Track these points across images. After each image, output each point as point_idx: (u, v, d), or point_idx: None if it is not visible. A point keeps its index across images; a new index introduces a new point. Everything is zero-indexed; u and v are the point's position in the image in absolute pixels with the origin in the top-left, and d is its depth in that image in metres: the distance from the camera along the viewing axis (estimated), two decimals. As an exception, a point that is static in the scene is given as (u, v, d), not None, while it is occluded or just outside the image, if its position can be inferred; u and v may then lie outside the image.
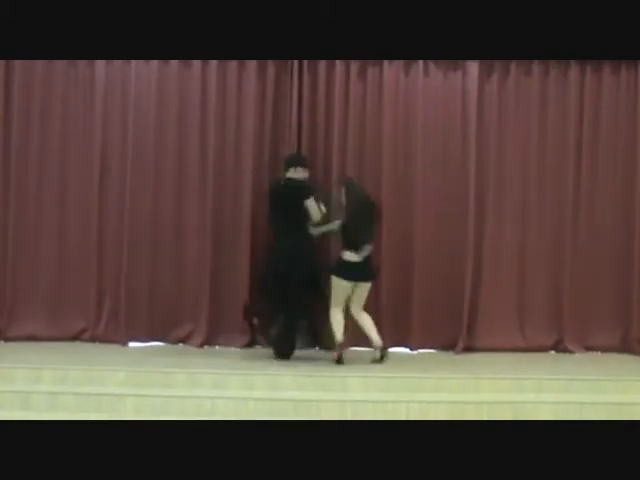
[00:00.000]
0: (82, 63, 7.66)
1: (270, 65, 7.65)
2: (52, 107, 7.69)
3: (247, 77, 7.66)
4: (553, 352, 7.79)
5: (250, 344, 7.59)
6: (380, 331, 7.04)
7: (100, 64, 7.61)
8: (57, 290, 7.70)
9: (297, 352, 7.12)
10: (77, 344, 7.61)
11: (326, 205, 7.17)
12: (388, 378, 6.45)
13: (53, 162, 7.70)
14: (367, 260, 6.91)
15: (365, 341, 7.14)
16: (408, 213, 7.60)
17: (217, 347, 7.64)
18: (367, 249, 6.88)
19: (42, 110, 7.67)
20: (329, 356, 7.13)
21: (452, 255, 7.69)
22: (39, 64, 7.61)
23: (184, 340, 7.66)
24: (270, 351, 7.16)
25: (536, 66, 7.75)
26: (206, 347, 7.60)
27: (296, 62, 7.60)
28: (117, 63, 7.62)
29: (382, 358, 6.90)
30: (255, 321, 7.18)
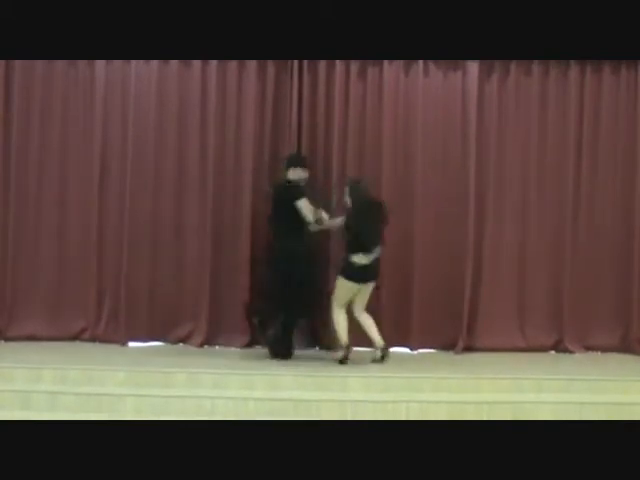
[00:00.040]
0: (82, 63, 7.66)
1: (270, 65, 7.65)
2: (52, 107, 7.69)
3: (247, 77, 7.66)
4: (553, 352, 7.79)
5: (250, 344, 7.59)
6: (380, 331, 7.03)
7: (100, 64, 7.61)
8: (57, 290, 7.70)
9: (297, 352, 7.13)
10: (77, 344, 7.61)
11: (326, 205, 7.16)
12: (388, 378, 6.45)
13: (53, 162, 7.70)
14: (374, 261, 6.91)
15: (365, 341, 7.13)
16: (408, 213, 7.60)
17: (217, 347, 7.64)
18: (377, 251, 6.87)
19: (42, 110, 7.67)
20: (329, 356, 7.13)
21: (452, 255, 7.69)
22: (39, 64, 7.61)
23: (184, 340, 7.66)
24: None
25: (536, 66, 7.75)
26: (206, 347, 7.60)
27: (296, 62, 7.60)
28: (117, 63, 7.62)
29: (383, 358, 6.90)
30: (255, 320, 7.18)
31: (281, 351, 7.01)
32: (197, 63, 7.61)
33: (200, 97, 7.65)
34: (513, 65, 7.74)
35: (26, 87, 7.64)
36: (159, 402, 6.01)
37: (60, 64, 7.64)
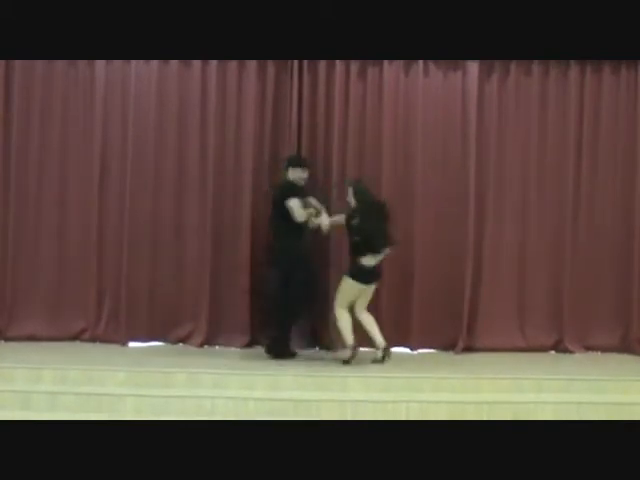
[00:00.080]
0: (82, 63, 7.66)
1: (270, 65, 7.65)
2: (52, 107, 7.69)
3: (247, 77, 7.66)
4: (553, 352, 7.79)
5: (250, 344, 7.59)
6: (380, 331, 7.03)
7: (100, 64, 7.61)
8: (57, 290, 7.70)
9: (297, 352, 7.14)
10: (77, 344, 7.61)
11: (325, 204, 7.17)
12: (388, 378, 6.45)
13: (53, 162, 7.70)
14: (380, 262, 6.91)
15: (366, 341, 7.14)
16: (408, 213, 7.59)
17: (217, 347, 7.64)
18: (386, 251, 6.87)
19: (42, 110, 7.67)
20: (329, 356, 7.14)
21: (452, 255, 7.69)
22: (39, 64, 7.61)
23: (184, 340, 7.66)
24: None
25: (536, 66, 7.75)
26: (206, 347, 7.60)
27: (296, 62, 7.60)
28: (117, 63, 7.62)
29: (383, 358, 6.90)
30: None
31: (280, 351, 7.01)
32: (197, 63, 7.61)
33: (200, 97, 7.65)
34: (513, 65, 7.74)
35: (26, 87, 7.64)
36: (159, 402, 6.01)
37: (60, 64, 7.64)
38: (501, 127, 7.80)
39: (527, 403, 6.16)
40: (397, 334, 7.55)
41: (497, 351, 7.62)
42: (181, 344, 7.66)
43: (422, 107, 7.67)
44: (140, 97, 7.63)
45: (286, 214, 6.85)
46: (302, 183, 7.04)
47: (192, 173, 7.68)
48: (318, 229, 7.05)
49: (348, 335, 6.86)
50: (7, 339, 7.56)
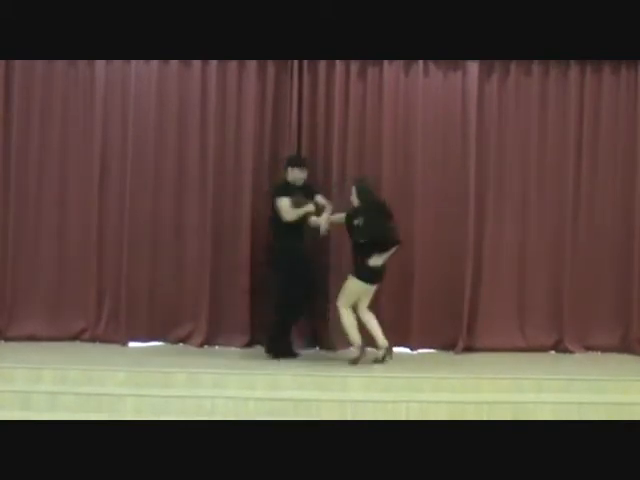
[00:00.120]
0: (82, 63, 7.66)
1: (270, 65, 7.65)
2: (52, 107, 7.69)
3: (247, 77, 7.66)
4: (553, 352, 7.79)
5: (250, 344, 7.59)
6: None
7: (100, 64, 7.61)
8: (57, 290, 7.70)
9: (298, 352, 7.15)
10: (77, 344, 7.61)
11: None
12: (388, 378, 6.45)
13: (53, 162, 7.70)
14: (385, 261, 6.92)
15: (367, 341, 7.15)
16: (408, 213, 7.59)
17: (217, 347, 7.64)
18: (392, 251, 6.87)
19: (42, 110, 7.67)
20: (329, 356, 7.14)
21: (452, 255, 7.69)
22: (39, 64, 7.61)
23: (184, 340, 7.66)
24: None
25: (536, 66, 7.75)
26: (206, 347, 7.60)
27: (296, 62, 7.60)
28: (117, 63, 7.62)
29: (383, 358, 6.90)
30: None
31: (280, 350, 7.02)
32: (197, 63, 7.61)
33: (200, 97, 7.65)
34: (513, 65, 7.74)
35: (26, 87, 7.64)
36: (159, 402, 6.01)
37: (60, 64, 7.64)
38: (501, 127, 7.80)
39: (527, 403, 6.16)
40: (397, 334, 7.54)
41: (497, 351, 7.62)
42: (181, 344, 7.65)
43: (422, 107, 7.67)
44: (140, 97, 7.63)
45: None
46: (300, 183, 7.03)
47: (192, 173, 7.68)
48: (317, 228, 7.05)
49: (355, 334, 6.85)
50: (7, 339, 7.56)
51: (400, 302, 7.61)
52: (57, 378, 6.29)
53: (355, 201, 6.92)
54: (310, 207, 6.98)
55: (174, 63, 7.62)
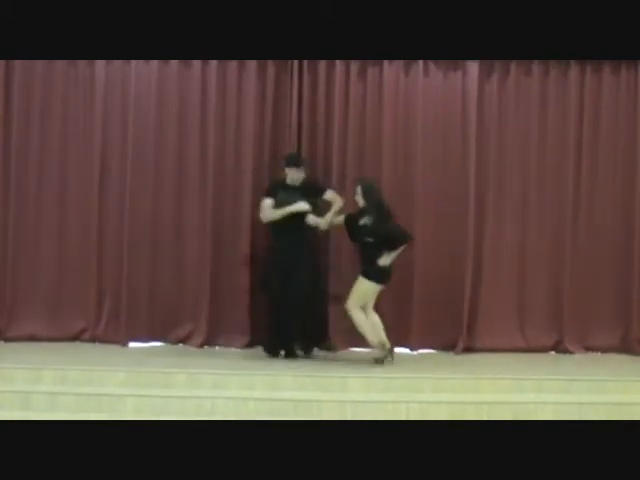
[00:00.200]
0: (82, 63, 7.66)
1: (270, 65, 7.65)
2: (52, 107, 7.69)
3: (247, 77, 7.66)
4: (553, 353, 7.79)
5: (250, 344, 7.59)
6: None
7: (100, 64, 7.61)
8: (57, 290, 7.70)
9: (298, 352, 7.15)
10: (77, 344, 7.60)
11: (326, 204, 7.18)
12: (388, 378, 6.44)
13: (53, 162, 7.70)
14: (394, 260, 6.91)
15: (366, 341, 7.15)
16: (408, 213, 7.58)
17: (217, 347, 7.64)
18: (401, 249, 6.86)
19: (42, 110, 7.67)
20: (330, 356, 7.13)
21: (452, 255, 7.69)
22: (39, 64, 7.61)
23: (184, 340, 7.66)
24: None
25: (536, 66, 7.75)
26: (206, 347, 7.60)
27: (296, 62, 7.59)
28: (117, 63, 7.62)
29: (384, 359, 6.88)
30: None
31: (279, 350, 7.04)
32: (197, 63, 7.61)
33: (200, 97, 7.65)
34: (513, 65, 7.74)
35: (26, 87, 7.64)
36: (159, 402, 6.00)
37: (60, 64, 7.64)
38: (501, 127, 7.80)
39: (527, 403, 6.15)
40: (397, 334, 7.53)
41: (497, 351, 7.62)
42: (181, 344, 7.65)
43: (422, 107, 7.67)
44: (140, 97, 7.63)
45: (292, 214, 6.88)
46: (298, 183, 7.02)
47: (192, 173, 7.68)
48: (316, 227, 7.06)
49: (371, 333, 6.84)
50: (7, 339, 7.56)
51: (400, 302, 7.61)
52: (57, 378, 6.28)
53: (360, 201, 6.90)
54: (298, 207, 6.92)
55: (174, 63, 7.62)
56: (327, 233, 7.33)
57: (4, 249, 7.62)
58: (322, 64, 7.61)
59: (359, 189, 6.92)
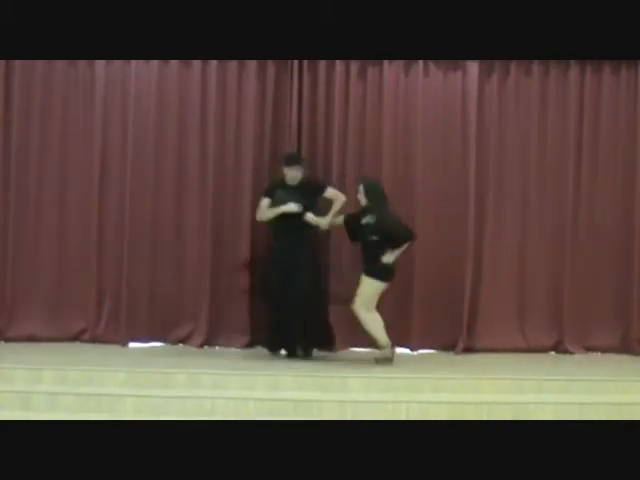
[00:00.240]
0: (82, 63, 7.65)
1: (270, 65, 7.65)
2: (52, 107, 7.69)
3: (247, 77, 7.66)
4: (553, 353, 7.79)
5: (250, 344, 7.59)
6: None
7: (100, 64, 7.60)
8: (57, 290, 7.70)
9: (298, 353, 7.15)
10: (77, 344, 7.60)
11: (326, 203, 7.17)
12: (388, 379, 6.44)
13: (53, 162, 7.69)
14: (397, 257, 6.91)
15: (366, 341, 7.15)
16: (408, 213, 7.57)
17: (217, 347, 7.64)
18: (405, 246, 6.86)
19: (42, 110, 7.67)
20: (330, 356, 7.13)
21: (452, 255, 7.69)
22: (39, 64, 7.60)
23: (184, 340, 7.65)
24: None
25: (536, 66, 7.75)
26: (206, 347, 7.60)
27: (296, 62, 7.59)
28: (117, 63, 7.61)
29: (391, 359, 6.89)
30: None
31: (275, 347, 7.08)
32: (197, 63, 7.61)
33: (200, 97, 7.65)
34: (513, 65, 7.74)
35: (26, 87, 7.64)
36: (159, 402, 6.00)
37: (60, 64, 7.64)
38: (501, 127, 7.80)
39: (527, 404, 6.15)
40: (397, 334, 7.53)
41: (497, 351, 7.62)
42: (181, 345, 7.65)
43: (422, 107, 7.67)
44: (140, 97, 7.63)
45: (287, 214, 6.87)
46: (295, 182, 7.01)
47: (192, 173, 7.68)
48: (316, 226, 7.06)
49: (382, 335, 6.83)
50: (7, 339, 7.55)
51: (400, 302, 7.60)
52: (57, 378, 6.28)
53: (363, 200, 6.90)
54: (287, 208, 6.90)
55: (174, 63, 7.62)
56: (327, 233, 7.33)
57: (4, 249, 7.62)
58: (322, 64, 7.61)
59: (361, 188, 6.92)
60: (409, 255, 7.47)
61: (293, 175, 6.99)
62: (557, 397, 6.33)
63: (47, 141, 7.68)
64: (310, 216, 6.94)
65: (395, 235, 6.79)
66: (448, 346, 7.68)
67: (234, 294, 7.57)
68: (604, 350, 7.78)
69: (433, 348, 7.75)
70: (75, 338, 7.67)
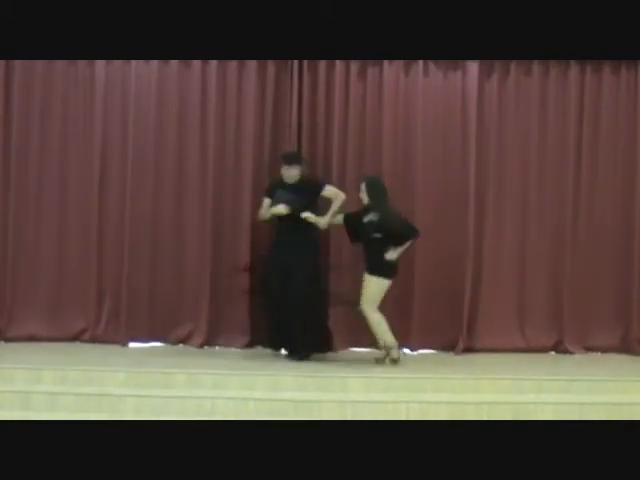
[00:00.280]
0: (82, 63, 7.65)
1: (270, 65, 7.65)
2: (52, 107, 7.68)
3: (247, 77, 7.66)
4: (553, 353, 7.79)
5: (250, 344, 7.59)
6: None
7: (100, 64, 7.60)
8: (57, 290, 7.69)
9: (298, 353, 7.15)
10: (77, 344, 7.60)
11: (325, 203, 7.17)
12: (388, 379, 6.44)
13: (53, 162, 7.69)
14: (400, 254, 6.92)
15: (366, 341, 7.15)
16: (408, 213, 7.53)
17: (217, 347, 7.64)
18: (408, 244, 6.86)
19: (42, 110, 7.66)
20: (330, 356, 7.13)
21: (452, 255, 7.69)
22: (39, 64, 7.60)
23: (184, 340, 7.65)
24: (270, 351, 7.28)
25: (536, 66, 7.75)
26: (206, 347, 7.60)
27: (296, 62, 7.59)
28: (117, 63, 7.61)
29: (384, 359, 6.88)
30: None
31: (277, 345, 7.11)
32: (197, 63, 7.61)
33: (200, 97, 7.65)
34: (513, 65, 7.74)
35: (26, 87, 7.63)
36: (159, 402, 6.00)
37: (60, 64, 7.63)
38: (501, 127, 7.80)
39: (527, 404, 6.15)
40: (397, 334, 7.50)
41: (497, 351, 7.62)
42: (181, 345, 7.65)
43: (422, 107, 7.67)
44: (140, 97, 7.63)
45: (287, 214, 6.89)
46: (292, 180, 7.00)
47: (192, 173, 7.68)
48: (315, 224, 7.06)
49: (389, 337, 6.83)
50: (7, 339, 7.55)
51: (400, 302, 7.60)
52: (57, 378, 6.28)
53: (365, 198, 6.89)
54: (276, 210, 6.90)
55: (174, 63, 7.62)
56: (327, 233, 7.32)
57: (4, 249, 7.61)
58: (322, 64, 7.61)
59: (363, 186, 6.91)
60: (409, 255, 7.46)
61: (290, 174, 6.99)
62: (557, 397, 6.33)
63: (47, 141, 7.68)
64: (308, 215, 6.93)
65: (399, 232, 6.80)
66: (448, 346, 7.68)
67: (234, 294, 7.57)
68: (604, 350, 7.78)
69: (433, 348, 7.75)
70: (75, 338, 7.67)
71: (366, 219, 6.85)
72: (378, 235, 6.77)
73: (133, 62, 7.58)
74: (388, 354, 6.89)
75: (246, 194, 7.59)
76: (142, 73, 7.64)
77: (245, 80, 7.67)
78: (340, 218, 7.04)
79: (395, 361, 6.84)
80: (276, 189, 7.02)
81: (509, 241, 7.82)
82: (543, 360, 7.48)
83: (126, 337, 7.58)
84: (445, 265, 7.69)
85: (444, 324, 7.68)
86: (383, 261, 6.77)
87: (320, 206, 7.06)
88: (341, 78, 7.63)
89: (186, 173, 7.69)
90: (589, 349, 7.81)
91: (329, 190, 7.05)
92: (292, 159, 7.05)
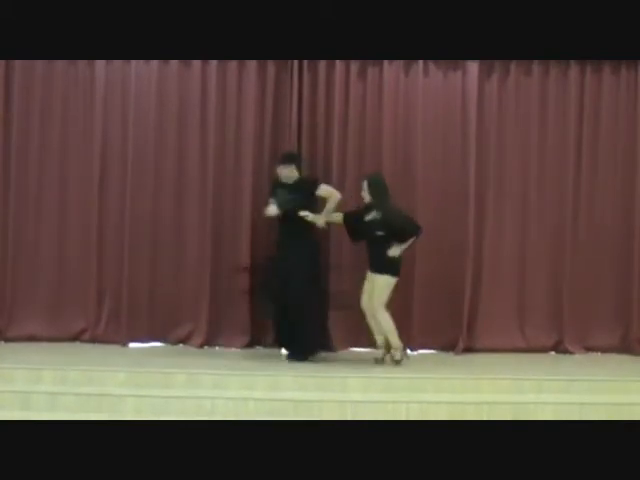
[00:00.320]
0: (82, 63, 7.65)
1: (270, 65, 7.65)
2: (52, 107, 7.68)
3: (247, 77, 7.66)
4: (553, 353, 7.79)
5: (250, 344, 7.59)
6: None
7: (100, 64, 7.60)
8: (57, 290, 7.69)
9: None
10: (77, 344, 7.60)
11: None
12: (388, 379, 6.44)
13: (53, 162, 7.69)
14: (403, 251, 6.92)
15: (366, 341, 7.14)
16: (408, 212, 7.57)
17: (217, 347, 7.64)
18: (410, 241, 6.86)
19: (42, 110, 7.67)
20: (330, 356, 7.13)
21: (452, 255, 7.69)
22: (39, 64, 7.61)
23: (184, 340, 7.65)
24: (269, 351, 7.27)
25: (536, 66, 7.75)
26: (206, 347, 7.60)
27: (296, 62, 7.59)
28: (117, 63, 7.61)
29: (383, 359, 6.89)
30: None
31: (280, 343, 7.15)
32: (197, 63, 7.61)
33: (200, 97, 7.65)
34: (513, 65, 7.74)
35: (26, 87, 7.64)
36: (159, 402, 6.01)
37: (60, 64, 7.64)
38: (501, 127, 7.80)
39: (527, 404, 6.16)
40: (397, 334, 7.53)
41: (497, 351, 7.62)
42: (181, 345, 7.64)
43: (422, 107, 7.67)
44: (140, 97, 7.63)
45: (284, 214, 6.88)
46: (290, 180, 6.98)
47: (192, 173, 7.68)
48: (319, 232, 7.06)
49: (395, 338, 6.84)
50: (7, 339, 7.55)
51: (400, 302, 7.59)
52: (57, 378, 6.28)
53: (367, 197, 6.89)
54: (267, 211, 6.93)
55: (174, 63, 7.62)
56: (327, 232, 7.33)
57: (4, 249, 7.62)
58: (322, 64, 7.61)
59: (365, 184, 6.91)
60: (409, 255, 7.45)
61: (285, 173, 6.98)
62: (557, 397, 6.33)
63: (47, 141, 7.68)
64: (306, 214, 6.92)
65: (402, 229, 6.80)
66: (448, 346, 7.68)
67: (234, 294, 7.57)
68: (604, 350, 7.78)
69: (433, 348, 7.75)
70: (75, 338, 7.67)
71: (368, 217, 6.85)
72: (381, 233, 6.77)
73: (133, 62, 7.58)
74: (389, 353, 6.89)
75: (246, 194, 7.59)
76: (142, 73, 7.64)
77: (245, 80, 7.67)
78: (340, 217, 7.04)
79: (397, 362, 6.83)
80: (276, 188, 7.02)
81: (509, 241, 7.82)
82: (543, 360, 7.48)
83: (126, 337, 7.58)
84: (445, 265, 7.69)
85: (444, 324, 7.68)
86: (388, 258, 6.76)
87: (320, 206, 7.06)
88: (341, 78, 7.64)
89: (186, 173, 7.69)
90: (589, 349, 7.81)
91: (323, 189, 7.03)
92: (286, 159, 7.04)
